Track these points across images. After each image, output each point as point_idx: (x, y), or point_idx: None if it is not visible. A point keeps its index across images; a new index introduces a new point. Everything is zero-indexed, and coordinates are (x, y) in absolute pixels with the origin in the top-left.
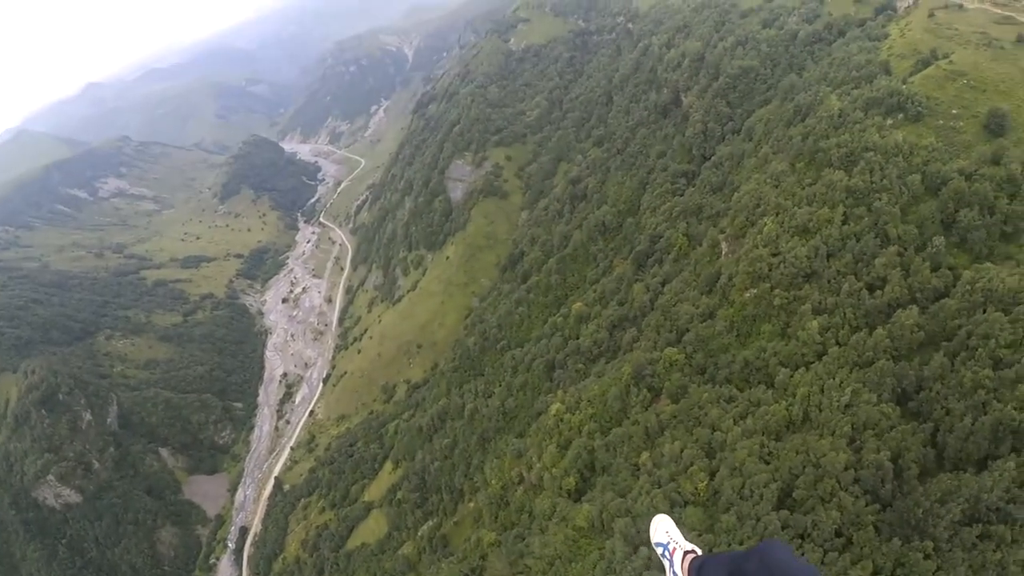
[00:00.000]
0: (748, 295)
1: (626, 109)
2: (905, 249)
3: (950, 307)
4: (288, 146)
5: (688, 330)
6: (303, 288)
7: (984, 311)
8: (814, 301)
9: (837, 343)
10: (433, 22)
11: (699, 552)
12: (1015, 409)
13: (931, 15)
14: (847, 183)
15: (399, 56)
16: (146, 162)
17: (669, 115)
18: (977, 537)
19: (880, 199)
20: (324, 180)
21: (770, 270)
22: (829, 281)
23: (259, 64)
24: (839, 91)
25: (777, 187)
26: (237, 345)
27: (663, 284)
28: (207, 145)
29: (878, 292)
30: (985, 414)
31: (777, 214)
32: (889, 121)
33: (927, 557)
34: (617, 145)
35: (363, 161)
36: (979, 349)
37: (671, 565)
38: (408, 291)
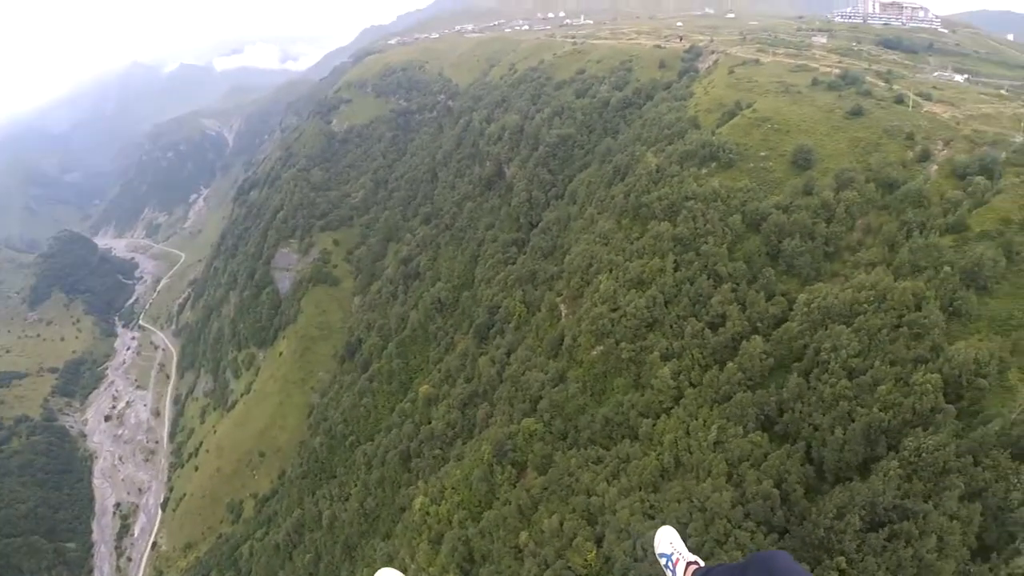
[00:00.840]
0: (595, 353)
1: (451, 184)
2: (738, 285)
3: (792, 330)
4: (102, 241)
5: (541, 397)
6: (127, 402)
7: (825, 328)
8: (661, 348)
9: (691, 384)
10: (254, 104)
11: (701, 563)
12: (880, 411)
13: (731, 72)
14: (673, 232)
15: (219, 140)
16: None
17: (494, 187)
18: (885, 540)
19: (706, 242)
20: (142, 278)
21: (612, 325)
22: (671, 327)
23: (73, 148)
24: (654, 148)
25: (607, 245)
26: (61, 475)
27: (508, 354)
28: (15, 241)
29: (720, 329)
30: (852, 421)
31: (611, 270)
32: (704, 170)
33: (842, 573)
34: (445, 221)
35: (183, 255)
36: (830, 363)
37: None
38: (242, 395)
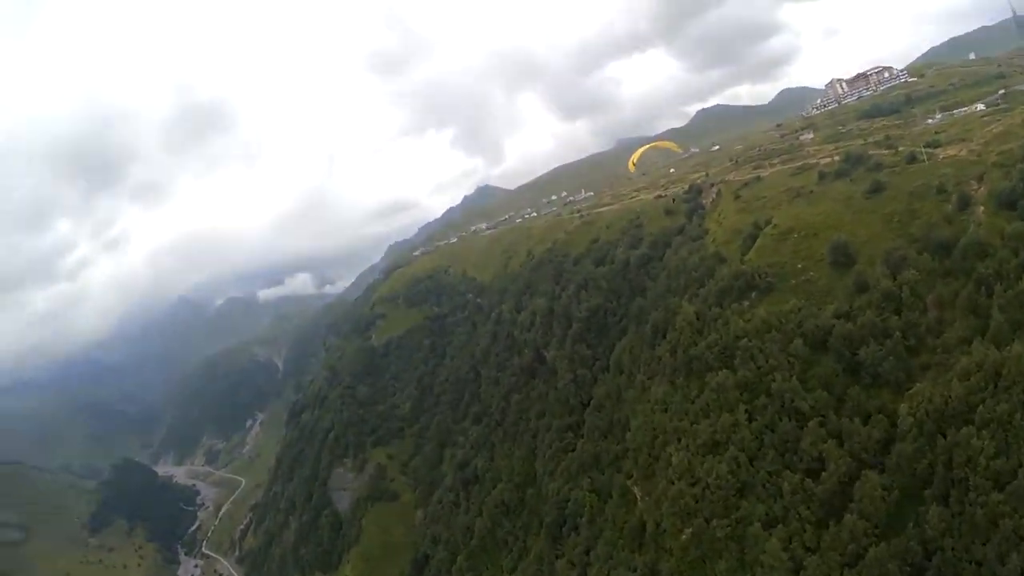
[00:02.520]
0: (685, 537)
1: (495, 380)
2: (825, 417)
3: (906, 451)
4: (163, 469)
5: None
6: None
7: (944, 435)
8: (760, 515)
9: (808, 550)
10: (298, 329)
11: None
12: None
13: (737, 196)
14: (735, 379)
15: (270, 366)
16: (10, 485)
17: (537, 374)
18: None
19: (775, 380)
20: (204, 505)
21: (697, 502)
22: (765, 487)
23: (128, 381)
24: (688, 296)
25: (666, 411)
26: None
27: (587, 552)
28: (76, 468)
29: (822, 474)
30: (1022, 540)
31: (679, 439)
32: (746, 303)
33: None
34: (495, 418)
35: (243, 480)
36: (969, 478)
37: None
38: None
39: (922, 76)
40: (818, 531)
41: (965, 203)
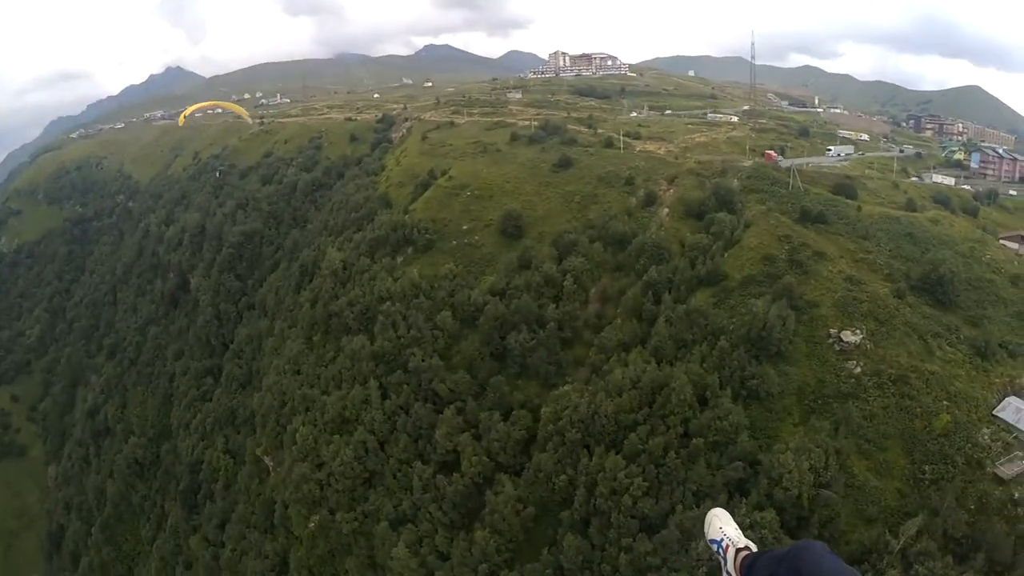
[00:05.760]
0: (312, 526)
1: (133, 305)
2: (464, 403)
3: (546, 463)
4: None
5: None
6: None
7: (590, 454)
8: (388, 512)
9: (440, 555)
10: None
11: (753, 548)
12: None
13: (424, 138)
14: (372, 348)
15: None
16: None
17: (179, 303)
18: None
19: (415, 355)
20: None
21: (322, 489)
22: (395, 477)
23: None
24: (340, 239)
25: (299, 374)
26: None
27: (222, 527)
28: None
29: (455, 473)
30: None
31: (307, 410)
32: (400, 259)
33: None
34: (130, 354)
35: None
36: (613, 513)
37: (725, 564)
38: None
39: (641, 75)
40: (451, 533)
41: (651, 201)
